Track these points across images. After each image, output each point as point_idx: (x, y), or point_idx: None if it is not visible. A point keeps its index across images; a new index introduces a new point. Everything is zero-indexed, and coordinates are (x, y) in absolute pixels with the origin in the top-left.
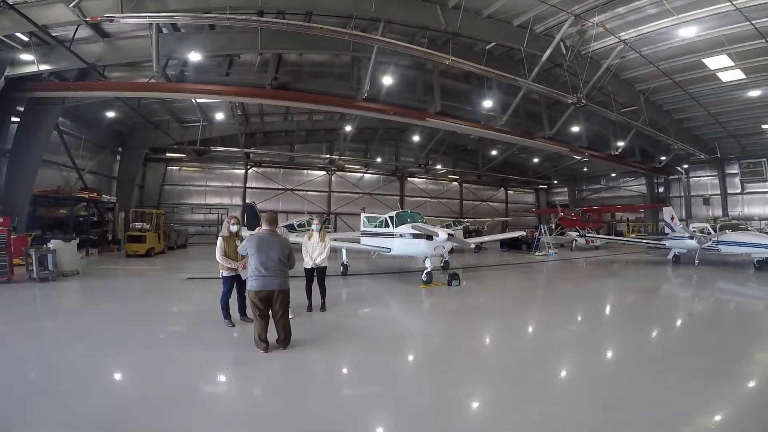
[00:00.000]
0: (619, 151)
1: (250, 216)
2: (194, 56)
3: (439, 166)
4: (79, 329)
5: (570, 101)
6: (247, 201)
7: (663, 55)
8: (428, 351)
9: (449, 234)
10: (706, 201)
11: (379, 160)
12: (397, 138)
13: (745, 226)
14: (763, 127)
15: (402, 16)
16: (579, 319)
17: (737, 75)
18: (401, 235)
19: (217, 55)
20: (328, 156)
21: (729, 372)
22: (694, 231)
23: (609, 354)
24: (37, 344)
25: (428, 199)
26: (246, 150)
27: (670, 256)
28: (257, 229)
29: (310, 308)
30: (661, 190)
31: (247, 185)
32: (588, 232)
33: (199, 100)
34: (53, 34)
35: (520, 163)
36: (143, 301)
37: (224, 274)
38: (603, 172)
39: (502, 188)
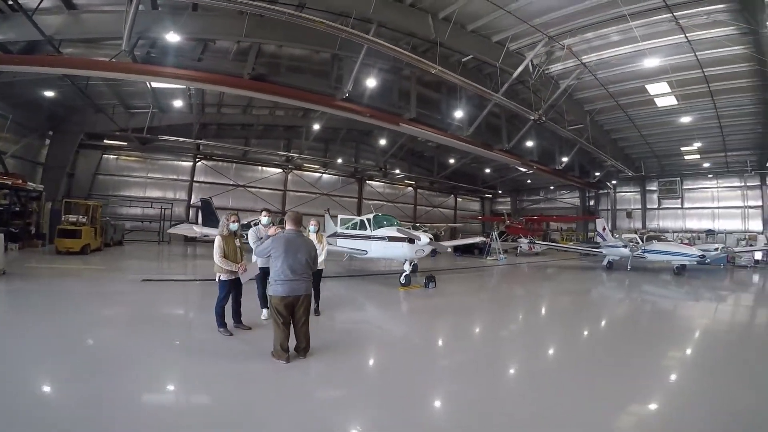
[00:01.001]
0: (563, 165)
1: (206, 212)
2: (173, 37)
3: (397, 171)
4: (53, 343)
5: (532, 117)
6: (202, 196)
7: (613, 79)
8: (458, 354)
9: (430, 238)
10: (629, 214)
11: (339, 161)
12: (358, 140)
13: (665, 238)
14: (682, 149)
15: (396, 21)
16: (553, 316)
17: (671, 101)
18: (385, 238)
19: (193, 39)
20: (285, 153)
21: (651, 361)
22: (627, 240)
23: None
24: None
25: (385, 203)
26: (198, 141)
27: (605, 263)
28: (273, 228)
29: None
30: (591, 203)
31: (195, 179)
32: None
33: (154, 85)
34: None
35: (471, 172)
36: (108, 308)
37: (222, 278)
38: (543, 185)
39: (452, 195)
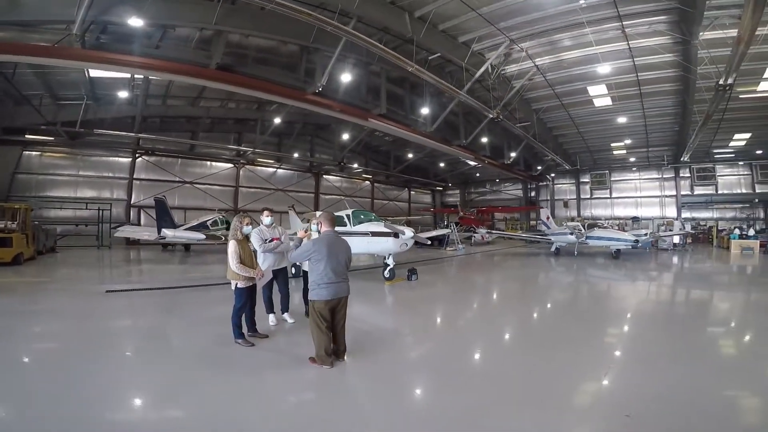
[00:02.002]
0: (511, 160)
1: (161, 212)
2: (135, 22)
3: (355, 165)
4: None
5: (491, 115)
6: (156, 195)
7: (560, 81)
8: (481, 343)
9: (414, 231)
10: (566, 204)
11: (296, 155)
12: (314, 134)
13: (603, 225)
14: (612, 144)
15: (375, 17)
16: (532, 297)
17: (607, 102)
18: (368, 233)
19: (155, 24)
20: (237, 147)
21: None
22: (573, 228)
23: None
24: None
25: (342, 197)
26: (139, 135)
27: (553, 249)
28: (302, 231)
29: (308, 313)
30: (532, 194)
31: (135, 176)
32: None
33: (93, 75)
34: None
35: (424, 166)
36: (86, 327)
37: (239, 286)
38: (490, 178)
39: (407, 189)
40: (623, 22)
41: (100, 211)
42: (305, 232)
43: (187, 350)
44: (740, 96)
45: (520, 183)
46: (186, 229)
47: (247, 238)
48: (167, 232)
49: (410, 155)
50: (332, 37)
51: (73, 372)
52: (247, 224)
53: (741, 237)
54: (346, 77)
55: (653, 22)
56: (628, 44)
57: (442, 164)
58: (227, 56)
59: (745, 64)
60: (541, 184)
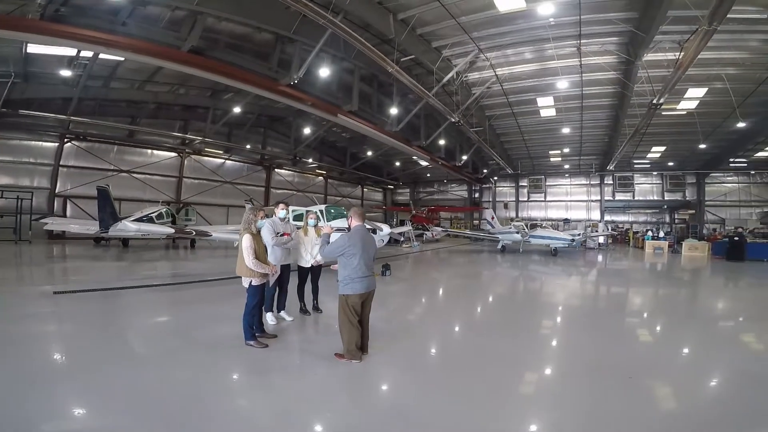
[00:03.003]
0: (462, 162)
1: (104, 203)
2: None
3: (310, 160)
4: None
5: (453, 119)
6: (99, 184)
7: (514, 91)
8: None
9: (390, 227)
10: (506, 206)
11: (249, 146)
12: (267, 126)
13: (542, 225)
14: (550, 152)
15: (362, 14)
16: (493, 289)
17: (552, 113)
18: (344, 230)
19: None
20: (183, 135)
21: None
22: (519, 227)
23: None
24: None
25: (295, 192)
26: (71, 118)
27: (499, 246)
28: (328, 227)
29: (305, 310)
30: (476, 195)
31: (62, 163)
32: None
33: (30, 50)
34: None
35: (378, 164)
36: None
37: (254, 283)
38: (438, 178)
39: (359, 186)
40: (581, 41)
41: (19, 201)
42: (331, 230)
43: (200, 359)
44: (663, 113)
45: (466, 184)
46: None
47: (259, 231)
48: (130, 225)
49: (369, 153)
50: (315, 30)
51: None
52: (261, 217)
53: (653, 238)
54: (324, 72)
55: (606, 42)
56: (580, 61)
57: (397, 163)
58: (200, 39)
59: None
60: (484, 186)
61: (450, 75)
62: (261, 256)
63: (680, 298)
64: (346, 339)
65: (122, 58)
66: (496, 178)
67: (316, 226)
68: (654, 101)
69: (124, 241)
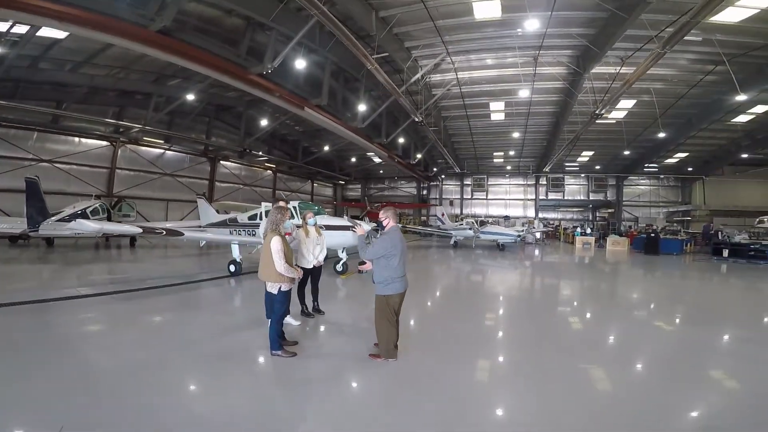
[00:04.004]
0: (416, 161)
1: (33, 196)
2: None
3: (261, 153)
4: None
5: (416, 119)
6: (27, 176)
7: (471, 94)
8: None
9: (372, 225)
10: (451, 203)
11: (194, 136)
12: (213, 116)
13: (490, 222)
14: (494, 153)
15: (347, 7)
16: (459, 278)
17: (501, 117)
18: (322, 227)
19: None
20: (119, 123)
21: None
22: (471, 224)
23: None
24: None
25: (241, 186)
26: None
27: (452, 242)
28: (360, 228)
29: (307, 312)
30: (424, 192)
31: None
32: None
33: None
34: None
35: (330, 159)
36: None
37: (283, 288)
38: (389, 175)
39: (310, 181)
40: (540, 51)
41: None
42: (364, 231)
43: (235, 379)
44: (596, 121)
45: (415, 182)
46: (59, 220)
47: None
48: (91, 225)
49: (325, 148)
50: (293, 18)
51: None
52: (310, 217)
53: (582, 234)
54: (300, 63)
55: (560, 54)
56: (535, 70)
57: (353, 159)
58: (164, 19)
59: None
60: (432, 183)
61: (419, 75)
62: (290, 259)
63: (617, 284)
64: (385, 339)
65: (62, 36)
66: (443, 176)
67: (315, 225)
68: (596, 111)
69: (49, 241)
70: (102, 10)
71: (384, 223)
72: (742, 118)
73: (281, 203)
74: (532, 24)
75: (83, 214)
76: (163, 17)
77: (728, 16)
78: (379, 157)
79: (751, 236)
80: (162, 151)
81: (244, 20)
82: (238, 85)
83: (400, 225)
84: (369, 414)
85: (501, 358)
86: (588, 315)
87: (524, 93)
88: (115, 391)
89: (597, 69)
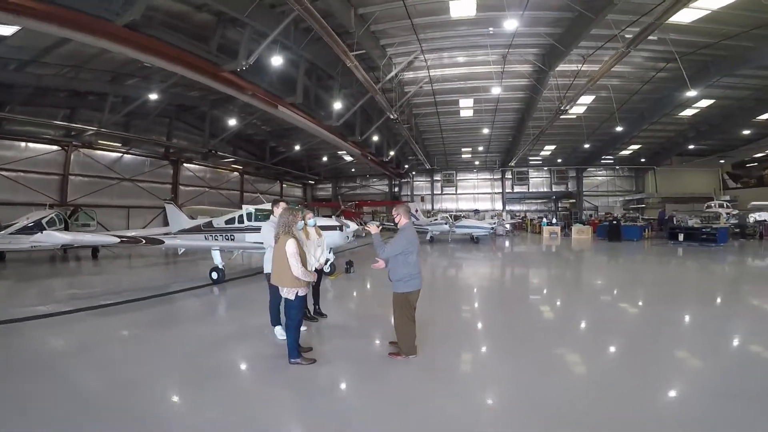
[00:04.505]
0: (389, 158)
1: None
2: None
3: (226, 154)
4: None
5: (392, 116)
6: None
7: (442, 91)
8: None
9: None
10: (422, 199)
11: (154, 138)
12: (174, 116)
13: (465, 216)
14: (462, 149)
15: (329, 4)
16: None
17: (470, 113)
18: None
19: None
20: (71, 125)
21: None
22: (446, 219)
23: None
24: None
25: (207, 189)
26: None
27: (428, 237)
28: (374, 226)
29: (310, 316)
30: (396, 189)
31: None
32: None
33: None
34: None
35: (299, 159)
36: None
37: (300, 294)
38: (361, 173)
39: (278, 181)
40: (509, 50)
41: None
42: (377, 229)
43: (263, 394)
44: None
45: (387, 179)
46: (13, 233)
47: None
48: (61, 236)
49: (297, 147)
50: (268, 14)
51: None
52: (309, 218)
53: (548, 224)
54: (276, 60)
55: (528, 52)
56: (503, 68)
57: (325, 158)
58: (131, 14)
59: (572, 92)
60: (403, 181)
61: (394, 73)
62: (305, 262)
63: (593, 269)
64: (406, 336)
65: (8, 33)
66: (414, 173)
67: (315, 225)
68: (561, 107)
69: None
70: (61, 2)
71: (396, 220)
72: (688, 112)
73: (282, 204)
74: (510, 24)
75: (39, 225)
76: (132, 11)
77: (682, 16)
78: (352, 156)
79: (702, 221)
80: (119, 154)
81: (214, 16)
82: (210, 83)
83: (378, 223)
84: (419, 411)
85: (510, 345)
86: (578, 299)
87: (495, 90)
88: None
89: (561, 67)
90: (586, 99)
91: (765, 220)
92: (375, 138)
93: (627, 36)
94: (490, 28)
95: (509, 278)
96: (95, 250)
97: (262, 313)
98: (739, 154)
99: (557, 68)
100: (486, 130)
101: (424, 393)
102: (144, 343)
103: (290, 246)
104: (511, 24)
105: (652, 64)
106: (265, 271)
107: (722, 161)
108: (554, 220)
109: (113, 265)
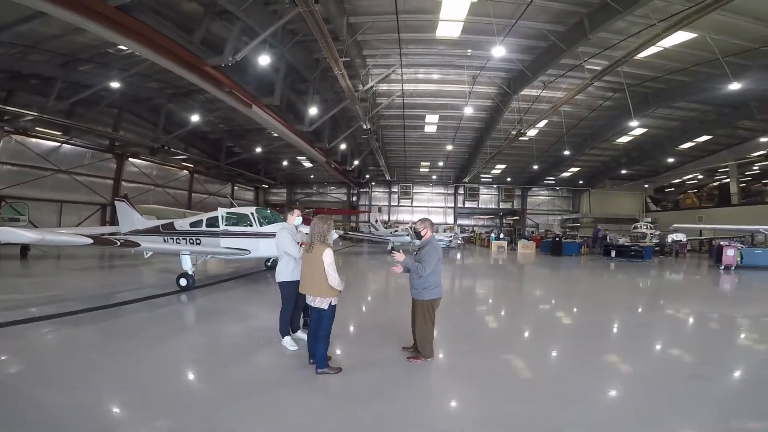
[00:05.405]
0: (353, 167)
1: None
2: None
3: (179, 151)
4: None
5: (365, 126)
6: None
7: (412, 106)
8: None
9: (338, 232)
10: (380, 209)
11: (100, 128)
12: (122, 107)
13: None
14: (422, 163)
15: (328, 8)
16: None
17: (434, 129)
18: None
19: None
20: (5, 108)
21: None
22: (411, 230)
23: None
24: None
25: (153, 187)
26: None
27: (389, 247)
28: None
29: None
30: (354, 199)
31: None
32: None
33: None
34: None
35: (254, 161)
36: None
37: (333, 303)
38: (319, 180)
39: (230, 183)
40: (481, 71)
41: None
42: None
43: (306, 407)
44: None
45: (345, 188)
46: None
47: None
48: (27, 234)
49: (258, 149)
50: (263, 12)
51: None
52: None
53: (496, 239)
54: (264, 59)
55: (497, 76)
56: (472, 88)
57: (285, 162)
58: None
59: (530, 115)
60: (362, 190)
61: (372, 84)
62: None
63: (550, 280)
64: (427, 340)
65: None
66: (373, 183)
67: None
68: (521, 130)
69: None
70: None
71: (422, 233)
72: (624, 139)
73: (296, 211)
74: (498, 51)
75: None
76: None
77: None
78: (317, 162)
79: (631, 239)
80: (57, 144)
81: (203, 7)
82: (189, 76)
83: (341, 231)
84: (470, 409)
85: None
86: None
87: (458, 109)
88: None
89: (524, 91)
90: (541, 123)
91: (680, 240)
92: (342, 146)
93: (588, 67)
94: (469, 50)
95: (473, 287)
96: (25, 248)
97: (255, 320)
98: (660, 179)
99: (521, 92)
100: (449, 147)
101: (456, 390)
102: (138, 357)
103: (328, 255)
104: (498, 51)
105: (601, 93)
106: (278, 280)
107: (646, 186)
108: (501, 235)
109: (48, 266)
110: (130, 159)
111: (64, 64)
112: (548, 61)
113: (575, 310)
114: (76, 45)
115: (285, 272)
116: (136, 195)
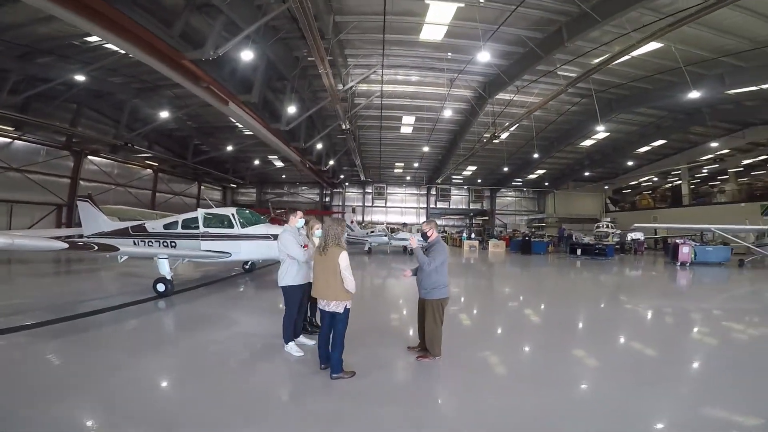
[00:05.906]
0: (328, 167)
1: None
2: None
3: (143, 149)
4: None
5: (344, 126)
6: None
7: (389, 107)
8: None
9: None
10: (354, 210)
11: (57, 124)
12: (81, 101)
13: (403, 230)
14: (396, 164)
15: (318, 5)
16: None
17: (409, 130)
18: (269, 236)
19: None
20: None
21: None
22: (388, 231)
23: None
24: None
25: (113, 187)
26: None
27: (366, 248)
28: (414, 238)
29: (315, 325)
30: (327, 199)
31: None
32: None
33: None
34: None
35: (223, 160)
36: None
37: (348, 306)
38: (290, 180)
39: (196, 182)
40: (459, 75)
41: None
42: (413, 239)
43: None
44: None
45: (318, 188)
46: None
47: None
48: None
49: (229, 147)
50: (247, 7)
51: None
52: (317, 228)
53: (468, 238)
54: (247, 55)
55: (472, 79)
56: (449, 91)
57: (256, 161)
58: None
59: (503, 119)
60: (335, 191)
61: (352, 83)
62: None
63: (512, 274)
64: (436, 339)
65: None
66: (347, 183)
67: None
68: (495, 133)
69: None
70: None
71: (429, 234)
72: (587, 142)
73: (299, 213)
74: (483, 56)
75: None
76: None
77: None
78: (290, 162)
79: (595, 238)
80: (8, 140)
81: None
82: (164, 70)
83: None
84: (488, 404)
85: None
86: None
87: (434, 111)
88: None
89: (498, 95)
90: (513, 126)
91: (638, 239)
92: (318, 146)
93: (561, 73)
94: (449, 54)
95: (459, 284)
96: None
97: (247, 326)
98: (619, 181)
99: (495, 96)
100: (426, 148)
101: (470, 385)
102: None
103: (344, 259)
104: (483, 56)
105: (569, 98)
106: (281, 284)
107: (606, 187)
108: (473, 235)
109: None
110: (90, 157)
111: (20, 56)
112: (525, 66)
113: (567, 306)
114: (37, 36)
115: (288, 276)
116: (96, 194)
